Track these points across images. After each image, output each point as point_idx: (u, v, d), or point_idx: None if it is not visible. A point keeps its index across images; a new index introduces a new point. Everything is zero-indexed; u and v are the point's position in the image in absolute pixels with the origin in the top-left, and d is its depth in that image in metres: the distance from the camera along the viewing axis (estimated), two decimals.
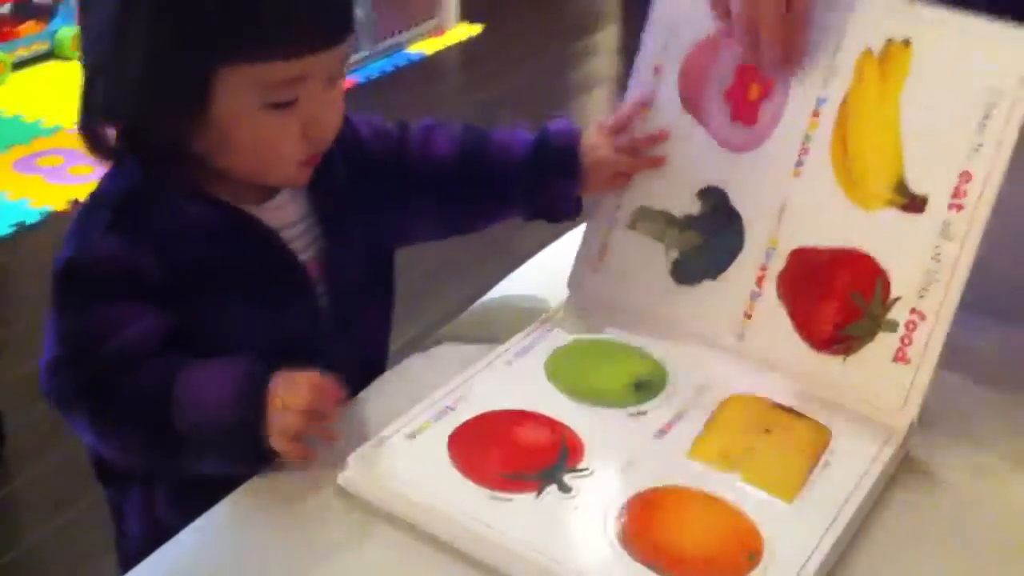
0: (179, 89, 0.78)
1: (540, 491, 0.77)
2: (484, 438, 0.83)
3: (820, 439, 0.84)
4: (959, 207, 0.84)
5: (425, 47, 3.66)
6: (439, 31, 3.76)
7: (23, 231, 2.39)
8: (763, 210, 0.92)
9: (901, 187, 0.87)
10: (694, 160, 0.95)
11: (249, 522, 0.78)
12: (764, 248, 0.92)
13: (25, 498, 1.58)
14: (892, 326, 0.86)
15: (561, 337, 0.95)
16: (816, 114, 0.91)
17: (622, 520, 0.75)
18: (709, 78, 0.95)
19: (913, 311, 0.86)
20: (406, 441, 0.81)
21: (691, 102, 0.95)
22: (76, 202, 2.46)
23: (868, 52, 0.88)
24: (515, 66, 3.50)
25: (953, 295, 0.85)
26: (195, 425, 0.77)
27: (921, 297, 0.85)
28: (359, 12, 3.03)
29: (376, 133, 0.96)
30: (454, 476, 0.79)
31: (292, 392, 0.77)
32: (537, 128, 0.98)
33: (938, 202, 0.85)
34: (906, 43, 0.88)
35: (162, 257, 0.81)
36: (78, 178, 2.59)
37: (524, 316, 0.98)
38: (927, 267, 0.85)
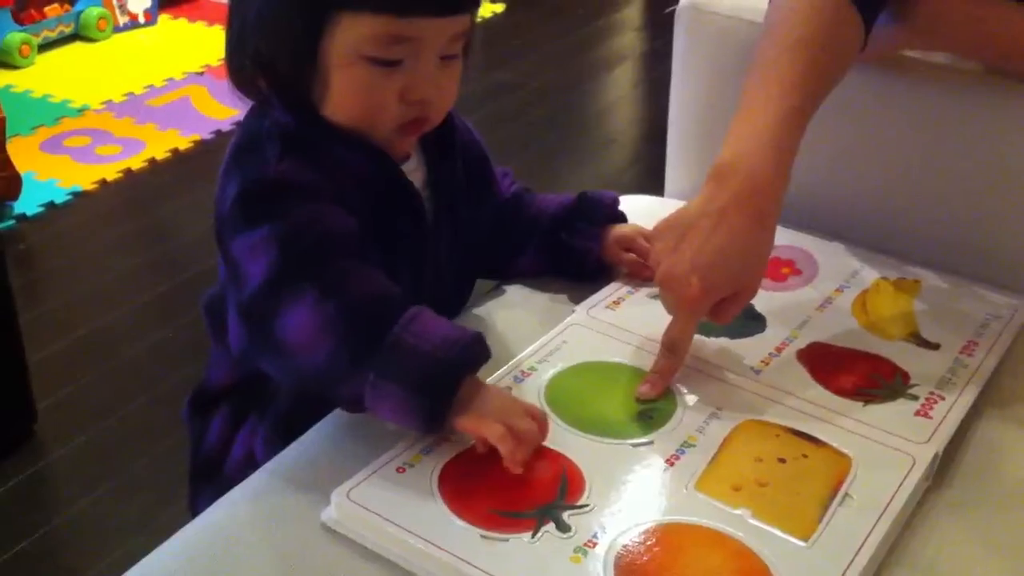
0: (293, 26, 0.81)
1: (536, 530, 0.72)
2: (477, 472, 0.77)
3: (839, 468, 0.78)
4: (970, 354, 0.92)
5: None
6: None
7: (52, 210, 2.36)
8: (787, 317, 0.96)
9: (916, 335, 0.95)
10: None
11: (228, 560, 0.73)
12: (785, 335, 0.94)
13: (57, 475, 1.58)
14: (912, 397, 0.86)
15: (564, 359, 0.90)
16: (839, 290, 1.02)
17: (624, 562, 0.69)
18: None
19: (933, 392, 0.86)
20: (394, 475, 0.76)
21: None
22: (104, 182, 2.50)
23: (886, 279, 1.04)
24: (537, 44, 3.45)
25: (970, 392, 0.87)
26: (413, 344, 0.75)
27: (940, 388, 0.87)
28: None
29: (499, 171, 1.04)
30: (444, 514, 0.73)
31: (532, 412, 0.78)
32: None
33: (951, 349, 0.93)
34: (916, 280, 1.03)
35: (330, 188, 0.82)
36: (105, 158, 2.60)
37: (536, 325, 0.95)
38: (944, 375, 0.89)
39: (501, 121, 2.90)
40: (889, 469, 0.77)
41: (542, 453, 0.78)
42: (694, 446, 0.80)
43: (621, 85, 3.30)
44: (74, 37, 3.26)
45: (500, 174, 1.04)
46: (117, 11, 3.32)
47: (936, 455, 0.79)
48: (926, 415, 0.83)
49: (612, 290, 1.00)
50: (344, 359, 0.77)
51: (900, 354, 0.91)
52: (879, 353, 0.91)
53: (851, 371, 0.89)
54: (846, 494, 0.76)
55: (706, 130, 1.25)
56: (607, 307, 0.97)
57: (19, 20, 3.09)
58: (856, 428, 0.82)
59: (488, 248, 1.02)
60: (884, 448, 0.80)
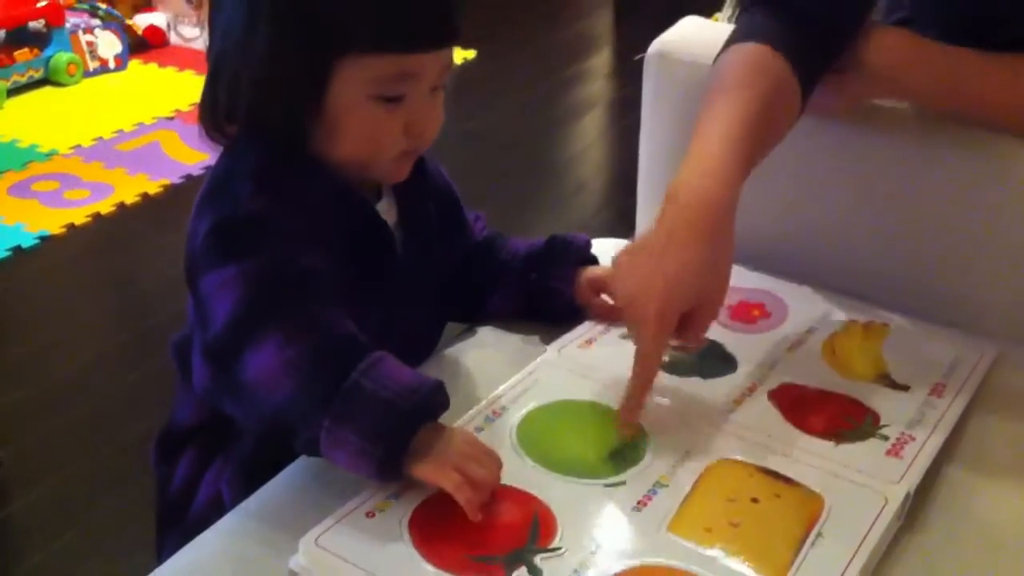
0: (300, 79, 0.82)
1: (508, 575, 0.71)
2: (449, 516, 0.74)
3: (812, 508, 0.77)
4: (939, 395, 0.92)
5: None
6: None
7: (19, 255, 2.34)
8: (757, 360, 0.96)
9: (886, 377, 0.95)
10: None
11: None
12: (756, 377, 0.93)
13: (20, 524, 1.57)
14: (883, 437, 0.86)
15: (535, 398, 0.89)
16: (809, 332, 1.02)
17: None
18: None
19: (904, 433, 0.86)
20: (363, 521, 0.75)
21: None
22: (72, 226, 2.48)
23: (854, 322, 1.04)
24: (508, 91, 3.46)
25: (941, 432, 0.87)
26: (372, 391, 0.75)
27: (911, 428, 0.87)
28: None
29: (472, 215, 1.04)
30: (414, 559, 0.72)
31: (490, 457, 0.78)
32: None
33: (920, 390, 0.93)
34: (885, 324, 1.04)
35: (303, 224, 0.82)
36: (74, 202, 2.60)
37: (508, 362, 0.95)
38: (914, 416, 0.89)
39: (472, 168, 2.91)
40: (862, 508, 0.77)
41: (513, 495, 0.77)
42: (666, 486, 0.79)
43: (591, 132, 3.33)
44: (44, 82, 3.26)
45: (472, 218, 1.05)
46: (88, 56, 3.32)
47: (908, 494, 0.79)
48: (897, 455, 0.83)
49: (584, 330, 0.99)
50: (303, 403, 0.76)
51: (870, 395, 0.91)
52: (849, 394, 0.92)
53: (822, 411, 0.89)
54: (819, 533, 0.75)
55: (673, 175, 1.26)
56: (579, 347, 0.97)
57: None
58: (828, 467, 0.82)
59: (460, 290, 1.02)
60: (856, 487, 0.79)
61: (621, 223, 1.44)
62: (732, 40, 1.04)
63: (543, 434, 0.85)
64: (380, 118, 0.84)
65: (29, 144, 2.88)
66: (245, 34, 0.82)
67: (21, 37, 3.18)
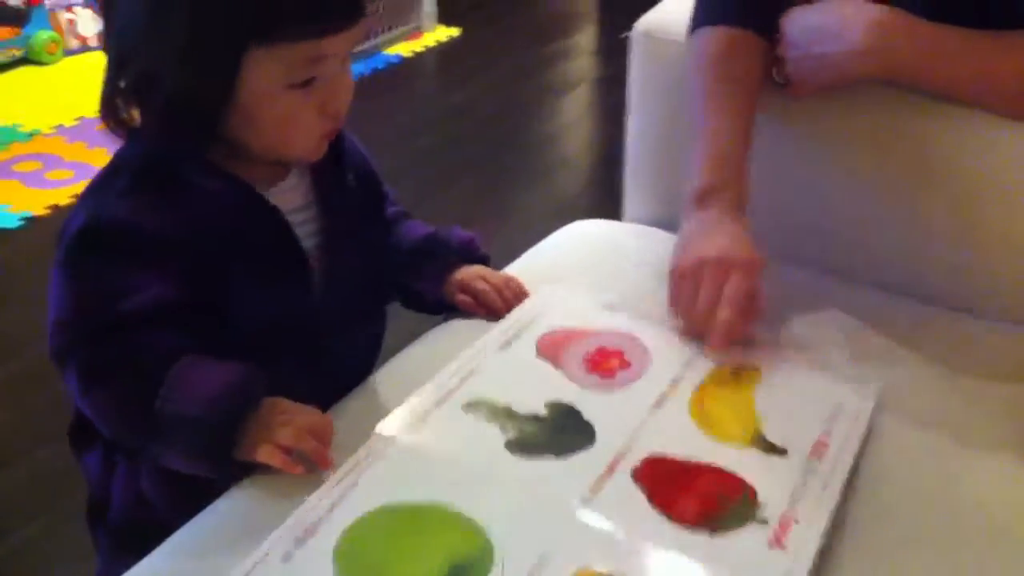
0: (212, 71, 0.80)
1: None
2: None
3: None
4: (820, 457, 0.83)
5: (403, 49, 3.57)
6: (417, 34, 3.69)
7: (4, 236, 2.25)
8: (617, 427, 0.84)
9: (761, 439, 0.85)
10: (545, 382, 0.90)
11: None
12: (617, 448, 0.81)
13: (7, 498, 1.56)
14: (762, 521, 0.75)
15: (357, 506, 0.74)
16: (674, 384, 0.91)
17: None
18: (568, 348, 0.95)
19: (784, 514, 0.76)
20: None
21: (547, 354, 0.94)
22: (56, 207, 2.45)
23: (721, 367, 0.94)
24: (492, 69, 3.45)
25: (825, 508, 0.77)
26: (181, 413, 0.78)
27: (792, 506, 0.77)
28: None
29: (377, 173, 1.01)
30: None
31: (296, 411, 0.80)
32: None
33: (799, 453, 0.83)
34: (755, 369, 0.94)
35: (176, 224, 0.82)
36: (56, 183, 2.51)
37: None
38: (795, 490, 0.79)
39: (456, 143, 2.91)
40: None
41: None
42: None
43: (576, 109, 3.33)
44: (23, 61, 3.15)
45: (387, 190, 1.04)
46: (67, 34, 3.21)
47: None
48: (780, 544, 0.73)
49: (416, 404, 0.85)
50: (124, 438, 0.82)
51: (745, 465, 0.81)
52: (722, 465, 0.81)
53: (694, 491, 0.78)
54: None
55: (664, 155, 1.27)
56: (409, 426, 0.83)
57: None
58: (703, 571, 0.70)
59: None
60: None
61: (606, 201, 1.44)
62: (698, 22, 1.12)
63: (366, 558, 0.71)
64: (295, 104, 0.82)
65: (10, 124, 2.80)
66: (152, 28, 0.80)
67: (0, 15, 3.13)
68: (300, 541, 0.71)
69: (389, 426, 0.83)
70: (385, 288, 1.02)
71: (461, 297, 1.03)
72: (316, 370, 0.89)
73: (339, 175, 0.93)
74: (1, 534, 1.55)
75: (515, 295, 1.03)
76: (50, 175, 2.58)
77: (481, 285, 1.03)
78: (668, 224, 1.23)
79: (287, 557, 0.70)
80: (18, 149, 2.71)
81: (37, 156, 2.67)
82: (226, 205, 0.85)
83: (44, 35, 3.17)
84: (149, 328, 0.81)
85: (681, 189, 1.06)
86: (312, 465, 0.79)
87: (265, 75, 0.80)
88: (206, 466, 0.80)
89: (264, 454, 0.78)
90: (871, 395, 0.91)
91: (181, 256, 0.82)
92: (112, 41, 0.83)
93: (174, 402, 0.78)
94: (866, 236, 1.15)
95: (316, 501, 0.74)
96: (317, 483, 0.77)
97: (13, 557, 1.52)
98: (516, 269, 1.14)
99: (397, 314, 1.04)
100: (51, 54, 3.19)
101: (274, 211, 0.87)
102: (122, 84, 0.83)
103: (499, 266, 1.12)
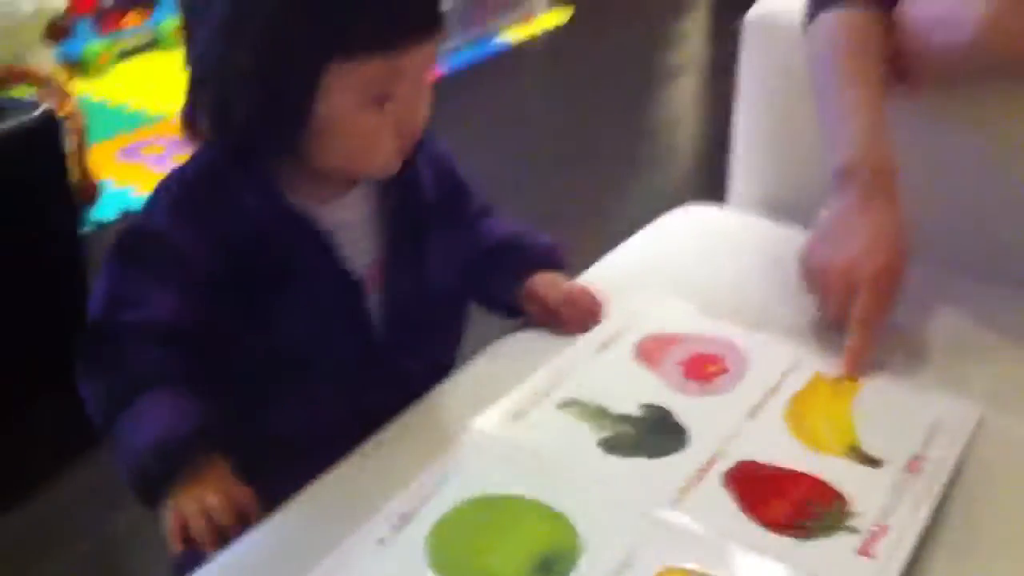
0: (289, 91, 0.80)
1: None
2: None
3: None
4: (916, 472, 0.82)
5: (513, 35, 3.60)
6: (528, 18, 3.70)
7: (129, 217, 2.47)
8: (711, 431, 0.84)
9: (856, 449, 0.84)
10: (641, 384, 0.90)
11: None
12: (710, 452, 0.82)
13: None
14: (853, 530, 0.75)
15: (452, 495, 0.76)
16: (771, 392, 0.90)
17: None
18: (665, 353, 0.95)
19: (877, 524, 0.75)
20: None
21: (644, 358, 0.94)
22: None
23: (819, 375, 0.93)
24: (603, 53, 3.44)
25: (918, 520, 0.76)
26: (121, 443, 0.80)
27: (885, 517, 0.76)
28: (449, 2, 3.07)
29: (464, 178, 1.00)
30: None
31: (213, 487, 0.78)
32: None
33: (895, 465, 0.82)
34: (854, 380, 0.93)
35: (215, 242, 0.83)
36: None
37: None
38: (888, 501, 0.78)
39: (565, 129, 2.93)
40: None
41: None
42: None
43: (685, 93, 3.31)
44: (152, 46, 3.28)
45: (474, 191, 1.01)
46: None
47: None
48: (869, 554, 0.72)
49: (513, 400, 0.87)
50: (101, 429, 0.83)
51: (839, 474, 0.80)
52: (816, 474, 0.81)
53: (785, 497, 0.78)
54: None
55: (773, 144, 1.29)
56: (505, 422, 0.85)
57: (99, 30, 3.17)
58: (791, 574, 0.71)
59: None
60: None
61: (711, 189, 1.45)
62: (817, 7, 1.10)
63: (459, 545, 0.73)
64: (370, 123, 0.82)
65: (138, 108, 2.93)
66: (227, 50, 0.79)
67: (129, 1, 3.19)
68: (396, 528, 0.74)
69: (485, 421, 0.85)
70: (463, 309, 1.00)
71: (530, 309, 0.98)
72: (383, 391, 0.89)
73: (411, 186, 0.91)
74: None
75: (588, 308, 0.98)
76: (175, 158, 2.68)
77: (552, 293, 0.97)
78: (773, 210, 1.25)
79: (381, 542, 0.72)
80: (144, 133, 2.83)
81: (162, 140, 2.78)
82: (270, 230, 0.84)
83: (173, 21, 3.26)
84: (141, 343, 0.82)
85: (825, 167, 1.03)
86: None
87: (342, 94, 0.80)
88: (135, 492, 0.80)
89: (168, 531, 0.77)
90: (973, 414, 0.89)
91: (212, 278, 0.83)
92: (192, 63, 0.84)
93: (125, 432, 0.80)
94: (991, 230, 1.13)
95: (413, 490, 0.77)
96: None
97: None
98: (620, 254, 1.15)
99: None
100: (176, 38, 3.29)
101: (317, 234, 0.86)
102: (201, 104, 0.83)
103: (607, 254, 1.13)
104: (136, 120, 2.88)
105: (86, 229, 2.34)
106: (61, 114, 2.03)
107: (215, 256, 0.83)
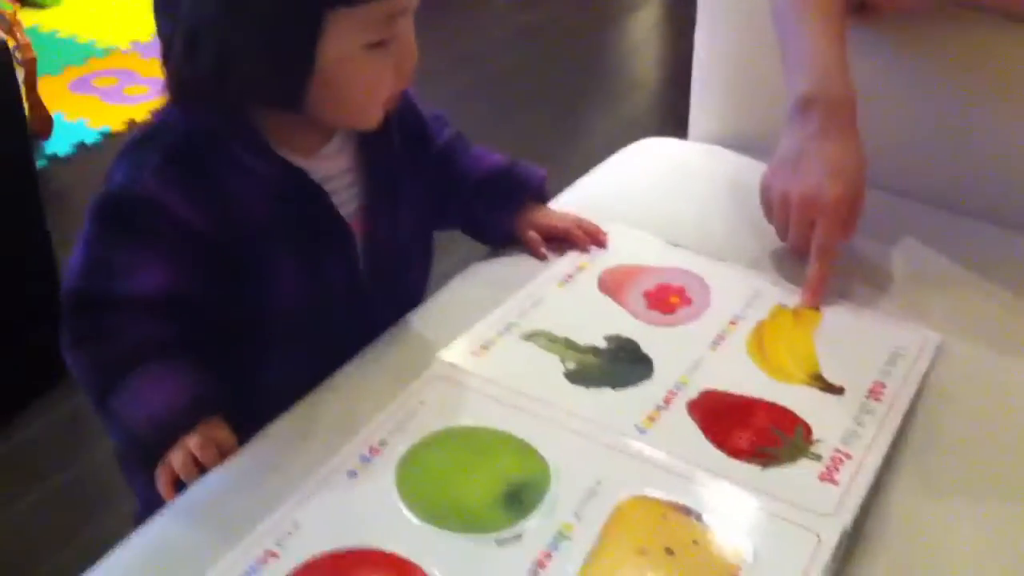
0: (292, 42, 0.79)
1: None
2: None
3: (734, 557, 0.68)
4: (877, 399, 0.83)
5: None
6: None
7: (83, 151, 2.34)
8: (675, 362, 0.85)
9: (818, 377, 0.86)
10: (606, 316, 0.91)
11: None
12: (674, 381, 0.83)
13: (88, 413, 1.66)
14: (815, 457, 0.76)
15: (420, 427, 0.77)
16: (733, 323, 0.91)
17: None
18: (630, 284, 0.96)
19: (838, 451, 0.77)
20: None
21: (608, 290, 0.95)
22: (133, 122, 2.48)
23: (782, 307, 0.95)
24: None
25: (880, 446, 0.78)
26: (119, 415, 0.82)
27: (845, 443, 0.78)
28: None
29: (431, 117, 1.00)
30: None
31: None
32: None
33: (856, 392, 0.84)
34: (816, 310, 0.94)
35: (206, 208, 0.82)
36: (134, 98, 2.57)
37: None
38: (850, 427, 0.80)
39: (527, 63, 2.90)
40: (791, 551, 0.68)
41: (393, 563, 0.66)
42: (569, 538, 0.68)
43: (643, 27, 3.30)
44: None
45: (432, 119, 1.01)
46: None
47: (844, 530, 0.70)
48: (831, 479, 0.74)
49: (479, 332, 0.88)
50: (92, 400, 0.84)
51: (801, 401, 0.82)
52: (778, 401, 0.82)
53: (748, 425, 0.79)
54: None
55: (732, 73, 1.29)
56: (472, 354, 0.85)
57: None
58: (753, 501, 0.72)
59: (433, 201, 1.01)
60: (786, 524, 0.70)
61: (671, 121, 1.44)
62: None
63: (428, 476, 0.74)
64: (375, 65, 0.82)
65: (88, 40, 2.85)
66: (226, 10, 0.77)
67: None
68: (365, 459, 0.74)
69: (452, 353, 0.85)
70: (431, 246, 1.01)
71: (531, 234, 1.00)
72: (360, 333, 0.89)
73: (387, 135, 0.91)
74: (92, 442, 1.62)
75: (590, 232, 1.02)
76: (128, 91, 2.64)
77: (561, 224, 1.01)
78: (734, 143, 1.25)
79: (352, 474, 0.73)
80: (96, 65, 2.76)
81: (114, 72, 2.72)
82: (265, 185, 0.84)
83: None
84: (134, 314, 0.82)
85: (786, 94, 1.03)
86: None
87: (345, 38, 0.79)
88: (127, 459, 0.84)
89: (160, 472, 0.80)
90: (933, 341, 0.90)
91: (204, 241, 0.82)
92: (177, 28, 0.80)
93: (121, 405, 0.81)
94: (953, 160, 1.14)
95: (383, 420, 0.77)
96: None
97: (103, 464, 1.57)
98: (582, 187, 1.15)
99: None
100: None
101: (313, 186, 0.86)
102: (195, 68, 0.80)
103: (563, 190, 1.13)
104: (87, 52, 2.82)
105: (41, 163, 2.31)
106: (11, 45, 1.99)
107: (210, 217, 0.82)
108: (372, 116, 0.86)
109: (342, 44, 0.80)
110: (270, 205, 0.84)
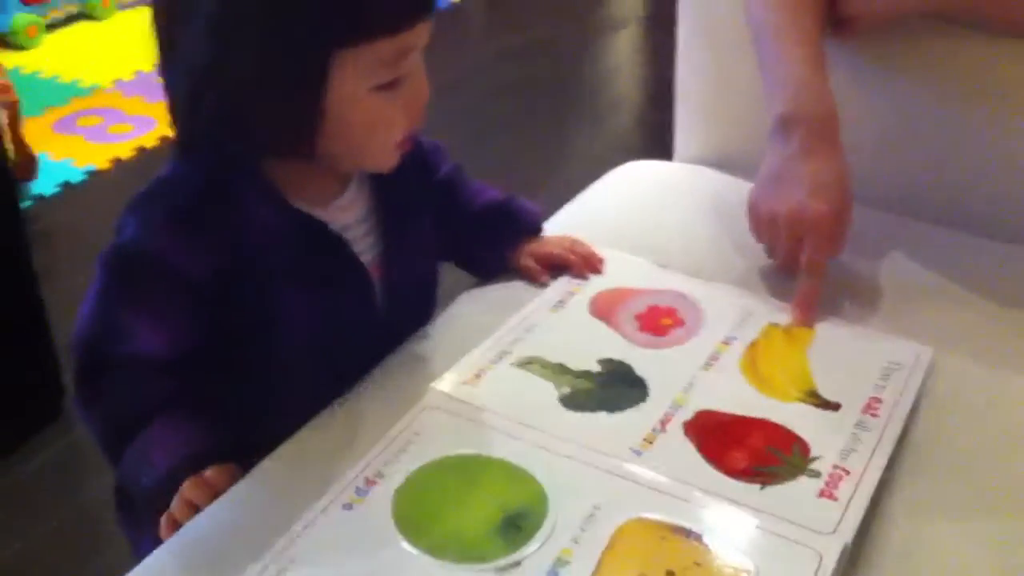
0: (298, 86, 0.77)
1: None
2: None
3: None
4: (873, 414, 0.83)
5: None
6: None
7: (69, 190, 2.35)
8: (670, 383, 0.85)
9: (813, 394, 0.86)
10: (598, 340, 0.91)
11: None
12: (669, 403, 0.83)
13: (86, 449, 1.65)
14: (814, 474, 0.76)
15: (416, 457, 0.77)
16: (726, 343, 0.92)
17: None
18: (621, 307, 0.96)
19: (836, 467, 0.77)
20: None
21: (600, 314, 0.95)
22: (118, 160, 2.51)
23: (773, 325, 0.94)
24: (542, 9, 3.49)
25: (878, 461, 0.78)
26: (130, 477, 0.82)
27: (843, 459, 0.78)
28: None
29: (431, 147, 0.99)
30: None
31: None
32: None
33: (852, 408, 0.84)
34: (808, 328, 0.94)
35: (219, 256, 0.81)
36: (118, 136, 2.59)
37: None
38: (847, 443, 0.80)
39: (510, 84, 2.92)
40: (793, 571, 0.68)
41: None
42: (569, 563, 0.68)
43: (624, 48, 3.32)
44: (80, 16, 3.21)
45: (432, 150, 1.00)
46: None
47: (845, 547, 0.69)
48: (831, 496, 0.74)
49: (474, 359, 0.88)
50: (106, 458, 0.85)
51: (797, 419, 0.82)
52: (774, 419, 0.82)
53: (745, 444, 0.79)
54: None
55: (716, 95, 1.29)
56: (465, 383, 0.85)
57: (26, 1, 3.06)
58: (753, 521, 0.72)
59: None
60: (786, 543, 0.70)
61: (655, 142, 1.44)
62: None
63: (425, 506, 0.73)
64: (384, 106, 0.80)
65: (71, 80, 2.86)
66: (224, 52, 0.76)
67: None
68: (361, 492, 0.74)
69: (445, 382, 0.85)
70: (438, 276, 1.00)
71: (530, 263, 1.01)
72: (373, 364, 0.89)
73: (402, 175, 0.88)
74: (87, 479, 1.61)
75: (584, 256, 1.01)
76: (112, 129, 2.65)
77: (557, 251, 1.01)
78: (719, 163, 1.25)
79: (348, 507, 0.73)
80: (79, 104, 2.77)
81: (98, 111, 2.73)
82: (281, 236, 0.83)
83: None
84: (140, 375, 0.83)
85: (768, 114, 1.03)
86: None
87: (351, 80, 0.77)
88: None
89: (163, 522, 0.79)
90: (926, 356, 0.90)
91: (215, 294, 0.81)
92: (180, 79, 0.79)
93: (131, 465, 0.82)
94: (940, 174, 1.14)
95: (378, 451, 0.77)
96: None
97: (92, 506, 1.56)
98: (568, 212, 1.15)
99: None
100: (105, 8, 3.24)
101: (334, 237, 0.85)
102: (199, 116, 0.79)
103: (553, 211, 1.13)
104: (70, 92, 2.83)
105: (26, 203, 2.31)
106: None
107: (222, 268, 0.81)
108: (387, 159, 0.85)
109: (349, 85, 0.78)
110: (287, 255, 0.84)
